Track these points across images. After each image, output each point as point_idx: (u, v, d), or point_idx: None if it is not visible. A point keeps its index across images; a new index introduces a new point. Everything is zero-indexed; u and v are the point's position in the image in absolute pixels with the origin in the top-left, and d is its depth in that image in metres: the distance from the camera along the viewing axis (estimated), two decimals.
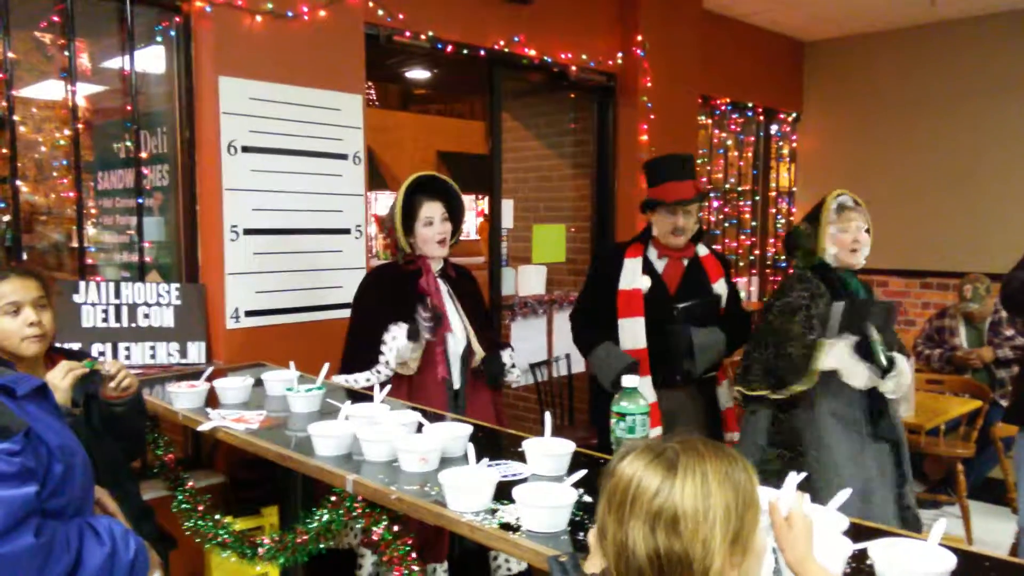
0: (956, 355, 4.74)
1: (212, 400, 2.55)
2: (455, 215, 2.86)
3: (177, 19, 3.25)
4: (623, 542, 1.02)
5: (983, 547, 1.75)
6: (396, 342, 2.68)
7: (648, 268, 3.07)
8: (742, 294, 6.52)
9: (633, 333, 3.00)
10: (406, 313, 2.75)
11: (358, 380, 2.75)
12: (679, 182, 3.03)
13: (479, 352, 2.87)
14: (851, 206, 2.79)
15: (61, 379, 1.91)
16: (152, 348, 3.16)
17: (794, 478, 1.40)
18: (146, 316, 3.16)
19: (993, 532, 3.93)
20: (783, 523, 1.27)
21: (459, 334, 2.85)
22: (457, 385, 2.84)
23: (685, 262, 3.10)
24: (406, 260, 2.84)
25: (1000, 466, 4.29)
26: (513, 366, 2.96)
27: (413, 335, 2.68)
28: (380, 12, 3.76)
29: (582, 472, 1.71)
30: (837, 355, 2.67)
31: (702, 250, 3.16)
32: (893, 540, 1.51)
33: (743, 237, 6.57)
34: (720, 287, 3.12)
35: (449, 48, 4.12)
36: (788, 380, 2.69)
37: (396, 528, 1.83)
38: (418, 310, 2.73)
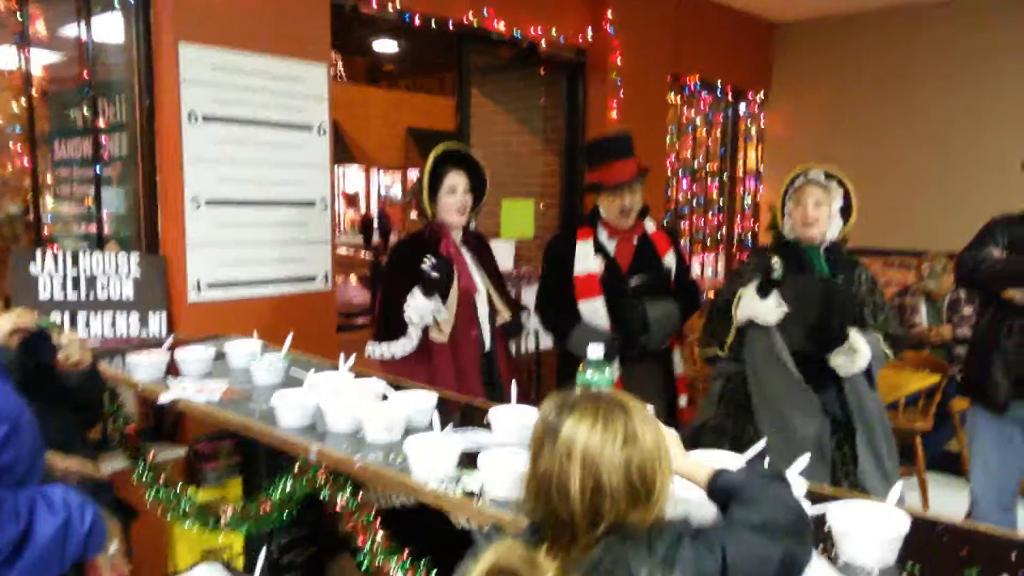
0: (915, 332, 4.83)
1: (173, 371, 2.51)
2: (477, 189, 2.94)
3: None
4: (597, 487, 1.15)
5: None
6: (414, 300, 2.72)
7: (599, 249, 3.11)
8: (708, 271, 6.59)
9: (594, 314, 3.04)
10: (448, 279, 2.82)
11: (395, 349, 2.77)
12: (619, 161, 3.05)
13: (504, 311, 2.96)
14: (818, 181, 2.79)
15: (4, 323, 1.86)
16: (112, 319, 3.10)
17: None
18: (104, 287, 3.10)
19: (949, 503, 4.04)
20: None
21: (483, 296, 2.92)
22: (488, 347, 2.92)
23: (635, 240, 3.15)
24: (429, 230, 2.89)
25: (956, 439, 4.40)
26: (528, 326, 3.04)
27: (428, 290, 2.71)
28: None
29: None
30: (745, 299, 2.75)
31: (650, 226, 3.20)
32: (850, 503, 1.54)
33: (711, 216, 6.62)
34: (669, 259, 3.17)
35: (417, 20, 4.06)
36: (718, 335, 2.83)
37: (360, 496, 1.82)
38: (424, 265, 2.76)
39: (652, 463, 1.18)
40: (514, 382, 2.04)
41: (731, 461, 1.70)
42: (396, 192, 17.54)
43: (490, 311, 2.95)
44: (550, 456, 1.18)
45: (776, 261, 2.75)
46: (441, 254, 2.82)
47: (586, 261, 3.08)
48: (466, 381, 2.79)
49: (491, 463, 1.60)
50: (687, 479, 1.38)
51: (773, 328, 2.72)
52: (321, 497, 1.88)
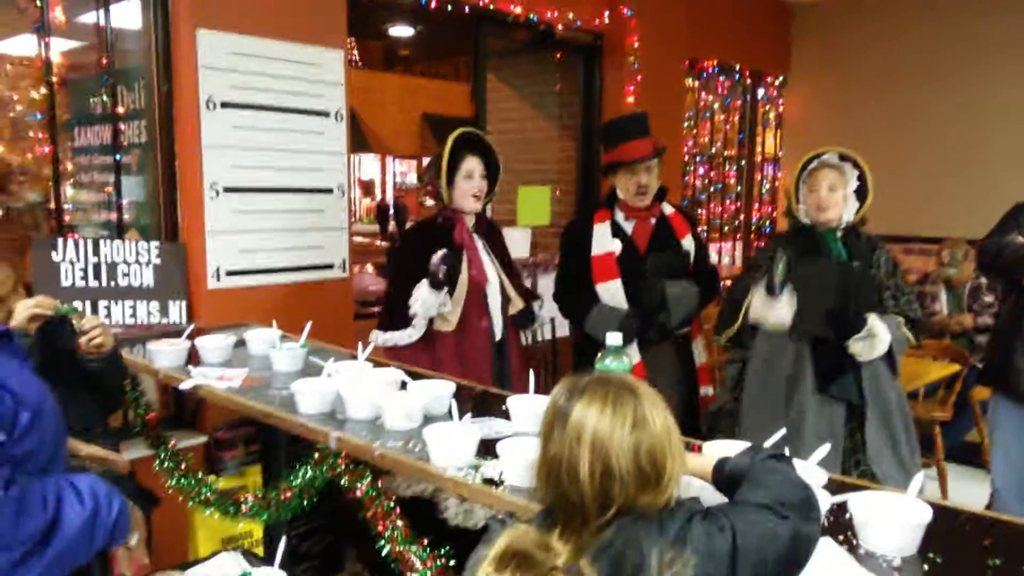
0: (936, 320, 4.78)
1: (193, 359, 2.53)
2: (492, 175, 2.92)
3: None
4: (607, 470, 1.16)
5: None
6: (421, 293, 2.71)
7: (617, 231, 3.10)
8: (725, 259, 6.55)
9: (612, 296, 3.04)
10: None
11: (400, 338, 2.77)
12: (636, 140, 3.04)
13: (516, 300, 2.95)
14: (832, 163, 2.76)
15: (23, 309, 1.89)
16: (132, 307, 3.13)
17: None
18: (125, 275, 3.12)
19: (969, 494, 4.00)
20: None
21: (495, 285, 2.90)
22: (499, 336, 2.90)
23: (652, 221, 3.14)
24: (443, 216, 2.88)
25: (976, 429, 4.36)
26: (539, 317, 3.06)
27: (435, 284, 2.69)
28: None
29: None
30: (756, 305, 2.75)
31: (667, 208, 3.19)
32: (872, 494, 1.53)
33: (728, 202, 6.57)
34: (688, 243, 3.15)
35: (433, 4, 4.04)
36: (722, 327, 2.86)
37: (380, 483, 1.83)
38: (431, 260, 2.73)
39: (662, 447, 1.19)
40: (531, 372, 2.03)
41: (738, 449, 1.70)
42: (412, 179, 17.54)
43: (502, 300, 2.93)
44: (560, 440, 1.19)
45: (780, 259, 2.72)
46: (455, 243, 2.81)
47: (603, 243, 3.07)
48: (475, 371, 2.76)
49: (510, 451, 1.60)
50: (694, 475, 1.38)
51: (786, 320, 2.71)
52: (341, 484, 1.89)
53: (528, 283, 4.86)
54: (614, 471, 1.16)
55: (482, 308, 2.85)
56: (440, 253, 2.70)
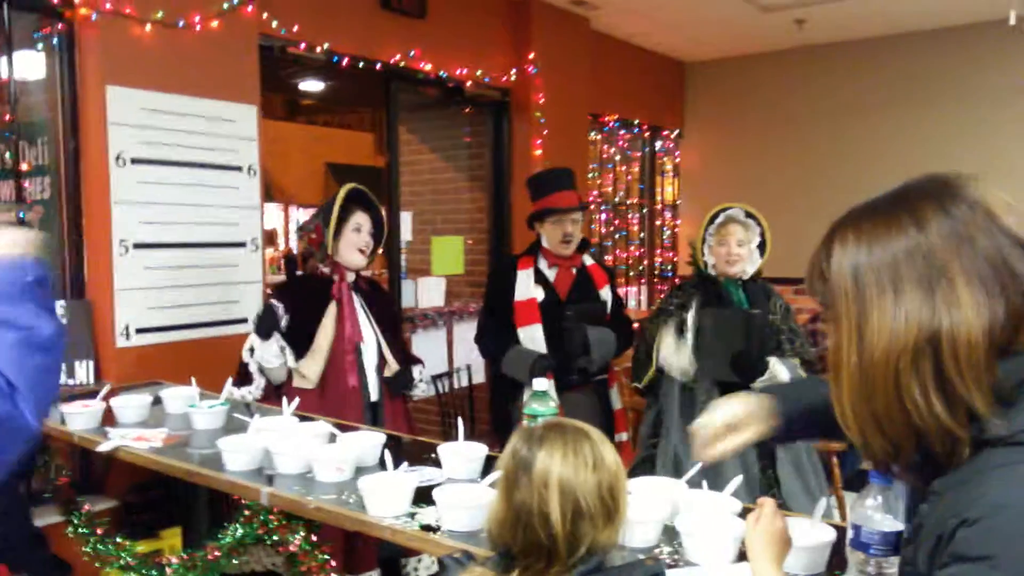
0: (828, 356, 5.10)
1: (109, 420, 2.46)
2: (377, 234, 2.92)
3: (60, 26, 3.11)
4: (577, 511, 1.22)
5: None
6: (250, 339, 2.70)
7: (540, 278, 3.23)
8: (631, 303, 6.78)
9: (533, 340, 3.14)
10: (309, 323, 2.75)
11: (254, 393, 2.75)
12: (565, 192, 3.22)
13: (392, 363, 2.90)
14: (739, 220, 2.96)
15: None
16: None
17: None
18: None
19: None
20: (751, 518, 1.34)
21: (371, 345, 2.87)
22: (375, 397, 2.85)
23: (574, 270, 3.28)
24: (322, 271, 2.84)
25: None
26: (420, 380, 3.01)
27: (259, 332, 2.68)
28: (274, 24, 3.72)
29: (498, 473, 1.77)
30: (666, 343, 2.91)
31: (588, 260, 3.35)
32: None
33: (632, 248, 6.84)
34: (606, 293, 3.31)
35: (345, 61, 4.12)
36: (640, 373, 2.98)
37: (313, 538, 1.84)
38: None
39: (617, 481, 1.27)
40: (460, 420, 2.09)
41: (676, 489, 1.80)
42: None
43: (379, 362, 2.88)
44: (527, 488, 1.24)
45: (691, 305, 2.89)
46: (332, 297, 2.81)
47: (526, 289, 3.19)
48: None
49: (447, 497, 1.65)
50: None
51: (690, 370, 2.87)
52: (272, 540, 1.88)
53: (443, 331, 4.92)
54: (583, 510, 1.23)
55: (353, 367, 2.80)
56: (268, 301, 2.70)
